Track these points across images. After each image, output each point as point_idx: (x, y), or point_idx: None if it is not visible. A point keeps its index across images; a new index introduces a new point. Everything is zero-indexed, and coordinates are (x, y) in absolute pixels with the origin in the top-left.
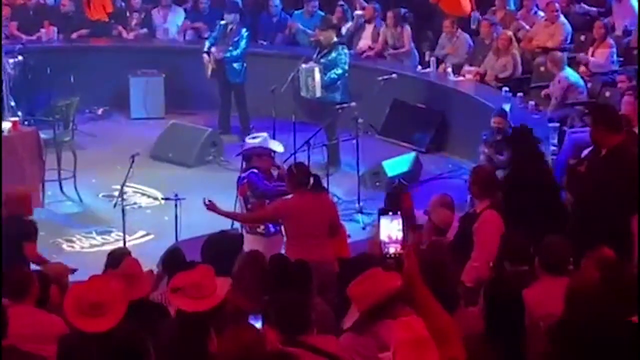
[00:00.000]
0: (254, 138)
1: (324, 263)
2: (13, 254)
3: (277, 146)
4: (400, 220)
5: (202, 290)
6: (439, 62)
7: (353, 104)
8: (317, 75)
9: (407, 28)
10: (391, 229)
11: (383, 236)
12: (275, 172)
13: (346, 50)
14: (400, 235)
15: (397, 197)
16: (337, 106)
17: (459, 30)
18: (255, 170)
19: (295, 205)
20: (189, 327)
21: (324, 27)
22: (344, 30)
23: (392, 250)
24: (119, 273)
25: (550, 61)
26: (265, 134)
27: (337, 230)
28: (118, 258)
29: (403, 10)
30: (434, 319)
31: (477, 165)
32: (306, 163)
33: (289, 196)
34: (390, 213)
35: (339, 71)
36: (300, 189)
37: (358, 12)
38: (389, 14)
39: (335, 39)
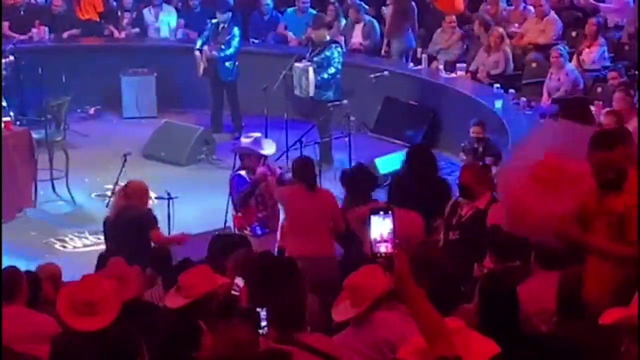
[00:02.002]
0: (247, 137)
1: (322, 258)
2: (140, 241)
3: (268, 147)
4: (391, 219)
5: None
6: (430, 59)
7: (345, 101)
8: (311, 75)
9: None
10: (382, 228)
11: (374, 235)
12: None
13: (340, 49)
14: (391, 234)
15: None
16: (330, 104)
17: (456, 27)
18: (242, 172)
19: (293, 194)
20: (180, 325)
21: (317, 26)
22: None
23: (382, 249)
24: (107, 274)
25: (556, 55)
26: (258, 134)
27: (341, 228)
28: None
29: None
30: (425, 317)
31: (468, 164)
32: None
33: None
34: (382, 212)
35: (332, 70)
36: (302, 183)
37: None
38: None
39: (328, 38)
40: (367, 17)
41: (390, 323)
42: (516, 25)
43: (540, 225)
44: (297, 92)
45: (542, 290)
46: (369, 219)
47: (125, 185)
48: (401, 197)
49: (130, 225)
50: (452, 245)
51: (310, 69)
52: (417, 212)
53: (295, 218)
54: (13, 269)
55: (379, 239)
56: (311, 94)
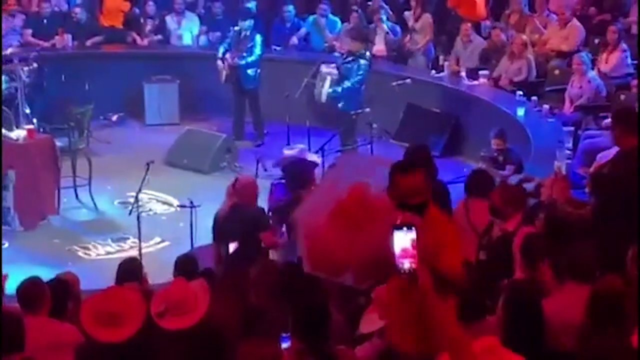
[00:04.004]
0: (291, 149)
1: None
2: (251, 240)
3: (313, 158)
4: (414, 234)
5: (185, 306)
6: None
7: (367, 109)
8: (327, 85)
9: (428, 15)
10: (405, 243)
11: (397, 250)
12: None
13: (365, 66)
14: (414, 249)
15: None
16: (353, 113)
17: (474, 34)
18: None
19: None
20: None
21: (352, 36)
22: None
23: (406, 265)
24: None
25: (578, 62)
26: (302, 146)
27: None
28: (129, 269)
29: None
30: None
31: (502, 183)
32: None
33: None
34: (405, 227)
35: (347, 84)
36: None
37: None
38: None
39: (362, 51)
40: (390, 23)
41: None
42: (543, 30)
43: (343, 265)
44: (315, 92)
45: (570, 303)
46: (392, 233)
47: (234, 182)
48: None
49: (243, 224)
50: (480, 264)
51: (328, 79)
52: None
53: None
54: (36, 280)
55: (402, 254)
56: (322, 100)
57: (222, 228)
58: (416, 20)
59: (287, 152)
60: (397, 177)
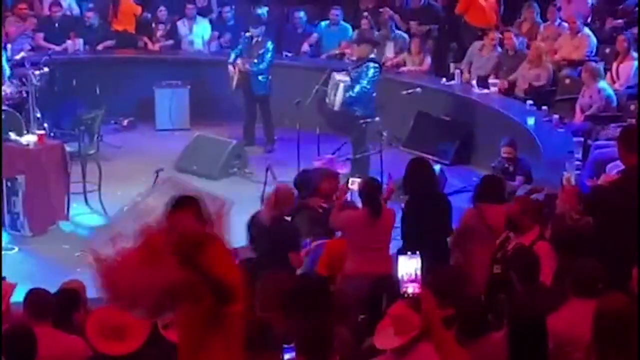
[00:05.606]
0: (319, 160)
1: (381, 276)
2: (279, 259)
3: (341, 167)
4: (418, 260)
5: None
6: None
7: (377, 118)
8: (340, 92)
9: (429, 59)
10: (409, 268)
11: (402, 275)
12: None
13: (375, 69)
14: (418, 274)
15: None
16: (362, 121)
17: (497, 44)
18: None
19: (356, 221)
20: None
21: (358, 41)
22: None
23: (410, 290)
24: None
25: (586, 71)
26: (331, 155)
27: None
28: None
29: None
30: (451, 356)
31: (518, 197)
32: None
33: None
34: (409, 252)
35: (357, 89)
36: (368, 208)
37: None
38: (415, 41)
39: (371, 55)
40: (398, 32)
41: (432, 355)
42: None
43: (140, 295)
44: (327, 100)
45: (576, 319)
46: (396, 258)
47: (275, 191)
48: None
49: (272, 238)
50: (494, 279)
51: (342, 86)
52: (429, 229)
53: (357, 241)
54: (41, 291)
55: (406, 279)
56: (336, 108)
57: (255, 237)
58: (420, 64)
59: (317, 163)
60: (168, 213)
